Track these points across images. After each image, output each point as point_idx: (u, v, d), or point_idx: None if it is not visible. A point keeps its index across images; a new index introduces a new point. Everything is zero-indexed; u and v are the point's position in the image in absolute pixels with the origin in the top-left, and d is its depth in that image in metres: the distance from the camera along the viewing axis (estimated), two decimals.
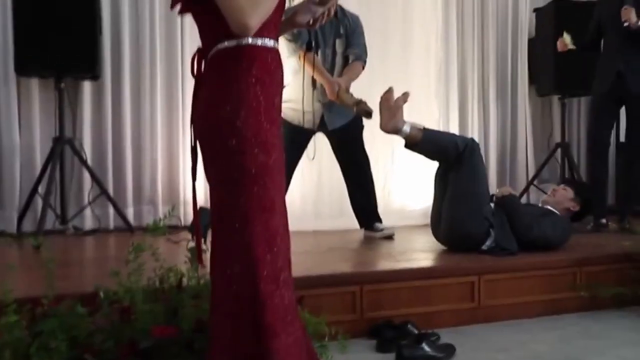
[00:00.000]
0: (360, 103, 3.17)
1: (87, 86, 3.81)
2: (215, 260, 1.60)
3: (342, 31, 3.38)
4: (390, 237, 3.41)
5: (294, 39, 3.18)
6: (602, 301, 2.74)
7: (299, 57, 3.25)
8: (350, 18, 3.43)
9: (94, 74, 3.68)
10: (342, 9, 3.38)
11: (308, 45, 3.16)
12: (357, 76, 3.41)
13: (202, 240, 2.32)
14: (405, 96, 2.82)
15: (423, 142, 2.84)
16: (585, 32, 3.92)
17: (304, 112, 3.35)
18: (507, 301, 2.63)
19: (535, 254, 2.78)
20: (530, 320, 2.61)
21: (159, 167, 3.94)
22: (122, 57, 3.89)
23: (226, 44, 1.53)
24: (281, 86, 1.64)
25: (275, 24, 1.60)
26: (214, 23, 1.52)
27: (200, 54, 1.60)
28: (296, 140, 3.33)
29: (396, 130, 2.83)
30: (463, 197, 2.83)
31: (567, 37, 3.88)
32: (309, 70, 3.25)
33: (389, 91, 2.83)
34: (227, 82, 1.52)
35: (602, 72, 3.80)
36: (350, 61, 3.42)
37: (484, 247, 2.83)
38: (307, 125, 3.38)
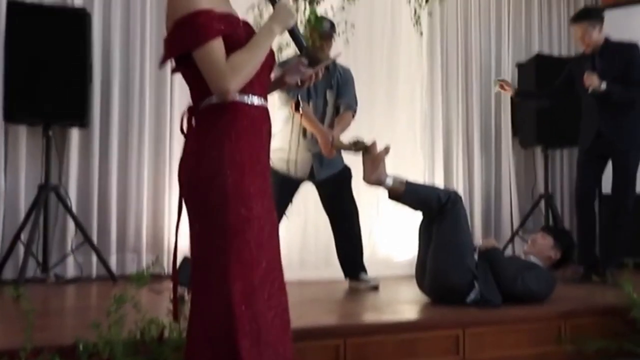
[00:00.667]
0: (357, 143, 3.20)
1: (75, 133, 3.83)
2: (194, 312, 1.59)
3: (333, 83, 3.45)
4: (375, 288, 3.40)
5: (287, 90, 3.25)
6: (588, 355, 2.72)
7: (291, 107, 3.30)
8: (341, 70, 3.50)
9: (83, 122, 3.70)
10: (334, 61, 3.47)
11: (300, 97, 3.23)
12: (348, 125, 3.47)
13: (185, 291, 2.31)
14: (387, 149, 2.87)
15: (405, 194, 2.87)
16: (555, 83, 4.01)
17: (294, 162, 3.38)
18: (492, 354, 2.60)
19: (519, 306, 2.78)
20: None
21: (144, 215, 3.93)
22: (111, 107, 3.93)
23: (212, 100, 1.58)
24: (268, 141, 1.68)
25: (262, 83, 1.65)
26: (199, 82, 1.57)
27: (190, 111, 1.64)
28: (284, 190, 3.35)
29: (379, 183, 2.87)
30: (446, 248, 2.84)
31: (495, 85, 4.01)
32: (301, 121, 3.29)
33: (372, 144, 2.88)
34: (211, 138, 1.56)
35: (584, 131, 3.87)
36: (341, 111, 3.48)
37: (469, 300, 2.82)
38: (296, 175, 3.41)
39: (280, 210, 3.37)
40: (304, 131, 3.35)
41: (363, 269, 3.50)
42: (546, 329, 2.72)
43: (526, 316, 2.71)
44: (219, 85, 1.52)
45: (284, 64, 3.25)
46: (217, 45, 1.53)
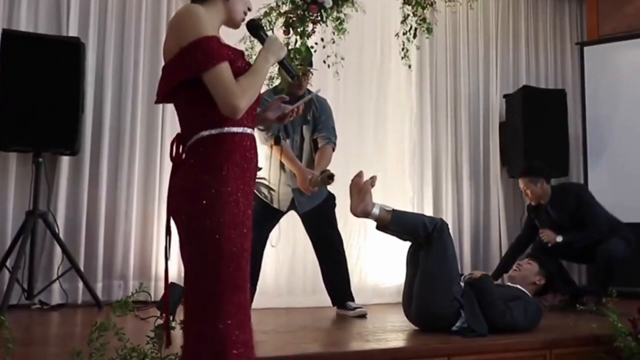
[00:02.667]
0: (328, 178, 3.23)
1: (65, 160, 3.85)
2: (188, 336, 1.62)
3: (309, 117, 3.49)
4: (363, 316, 3.39)
5: (265, 129, 3.27)
6: None
7: (270, 146, 3.36)
8: (317, 103, 3.54)
9: (73, 150, 3.73)
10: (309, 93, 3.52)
11: (278, 136, 3.28)
12: (329, 160, 3.50)
13: (170, 317, 2.31)
14: (373, 179, 2.89)
15: (392, 223, 2.89)
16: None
17: (276, 194, 3.43)
18: None
19: (505, 335, 2.78)
20: None
21: (132, 242, 3.92)
22: (103, 135, 3.96)
23: (210, 132, 1.63)
24: (257, 171, 1.73)
25: (252, 114, 1.72)
26: (197, 112, 1.64)
27: (179, 139, 1.68)
28: (267, 218, 3.38)
29: (366, 214, 2.88)
30: (432, 276, 2.85)
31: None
32: (280, 158, 3.34)
33: (358, 175, 2.90)
34: (209, 167, 1.61)
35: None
36: (319, 145, 3.51)
37: (455, 328, 2.82)
38: (278, 205, 3.45)
39: (263, 239, 3.39)
40: (282, 166, 3.40)
41: (350, 297, 3.49)
42: (531, 358, 2.72)
43: (511, 345, 2.72)
44: (232, 103, 1.59)
45: (274, 89, 3.32)
46: (227, 68, 1.61)
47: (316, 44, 3.41)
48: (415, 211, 4.64)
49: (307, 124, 3.49)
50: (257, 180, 3.29)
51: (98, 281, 3.81)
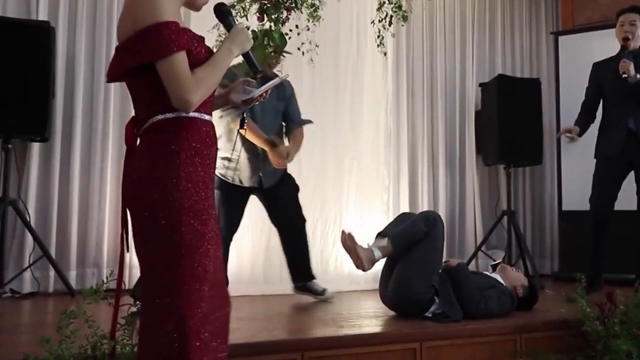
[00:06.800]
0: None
1: (35, 147, 3.78)
2: (146, 326, 1.58)
3: (279, 100, 3.49)
4: (328, 300, 3.41)
5: (236, 108, 3.21)
6: None
7: (236, 125, 3.27)
8: (285, 85, 3.54)
9: (44, 136, 3.66)
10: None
11: (243, 119, 3.24)
12: (301, 142, 3.52)
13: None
14: (350, 236, 2.93)
15: (396, 248, 2.93)
16: (586, 100, 3.85)
17: (241, 169, 3.39)
18: None
19: (476, 320, 2.82)
20: None
21: (106, 229, 3.87)
22: (74, 121, 3.88)
23: (166, 115, 1.57)
24: (216, 158, 1.70)
25: (210, 100, 1.67)
26: (152, 96, 1.57)
27: (134, 123, 1.64)
28: (236, 201, 3.37)
29: (372, 262, 2.92)
30: (416, 262, 2.91)
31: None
32: (245, 134, 3.30)
33: (342, 234, 2.96)
34: (166, 154, 1.55)
35: (608, 136, 3.64)
36: (290, 128, 3.54)
37: (428, 314, 2.86)
38: (246, 182, 3.42)
39: (235, 223, 3.37)
40: (247, 141, 3.36)
41: (312, 277, 3.52)
42: (502, 342, 2.77)
43: (482, 330, 2.76)
44: (183, 97, 1.52)
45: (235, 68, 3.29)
46: (183, 58, 1.53)
47: (290, 30, 3.39)
48: (391, 199, 4.69)
49: (275, 106, 3.48)
50: (221, 161, 3.30)
51: (71, 269, 3.77)
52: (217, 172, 3.21)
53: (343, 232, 2.97)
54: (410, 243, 2.93)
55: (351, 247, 2.91)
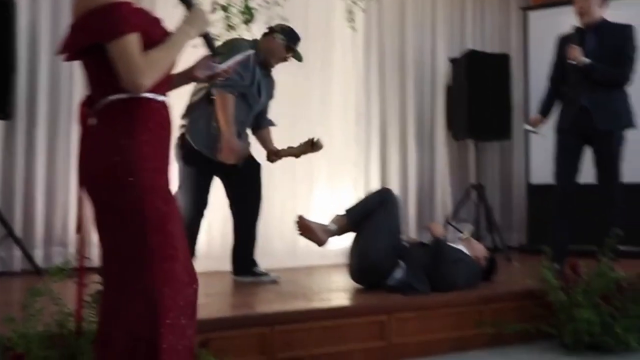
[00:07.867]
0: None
1: None
2: (113, 306, 1.57)
3: (273, 92, 3.49)
4: (275, 282, 3.32)
5: (236, 79, 3.10)
6: (507, 337, 2.86)
7: (218, 95, 3.14)
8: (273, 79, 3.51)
9: (6, 114, 3.57)
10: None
11: (210, 92, 3.14)
12: None
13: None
14: (299, 217, 3.11)
15: (351, 220, 3.10)
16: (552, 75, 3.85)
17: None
18: (416, 339, 2.70)
19: (443, 292, 2.88)
20: (440, 357, 2.69)
21: (71, 208, 3.81)
22: (38, 97, 3.79)
23: (120, 95, 1.54)
24: (171, 139, 1.68)
25: (167, 80, 1.65)
26: (106, 75, 1.54)
27: (88, 102, 1.61)
28: (204, 177, 3.29)
29: (330, 235, 3.09)
30: (372, 230, 3.01)
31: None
32: (218, 111, 3.15)
33: (299, 218, 3.11)
34: (122, 134, 1.53)
35: (565, 109, 3.69)
36: (264, 126, 3.50)
37: (392, 283, 2.91)
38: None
39: (207, 196, 3.32)
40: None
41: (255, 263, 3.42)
42: (468, 313, 2.84)
43: (449, 301, 2.82)
44: (133, 80, 1.50)
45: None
46: (135, 40, 1.51)
47: (260, 5, 3.35)
48: (362, 174, 4.72)
49: (271, 98, 3.46)
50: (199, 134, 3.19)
51: (37, 248, 3.71)
52: (195, 146, 3.18)
53: (296, 219, 3.09)
54: (365, 212, 3.08)
55: (306, 226, 3.03)
